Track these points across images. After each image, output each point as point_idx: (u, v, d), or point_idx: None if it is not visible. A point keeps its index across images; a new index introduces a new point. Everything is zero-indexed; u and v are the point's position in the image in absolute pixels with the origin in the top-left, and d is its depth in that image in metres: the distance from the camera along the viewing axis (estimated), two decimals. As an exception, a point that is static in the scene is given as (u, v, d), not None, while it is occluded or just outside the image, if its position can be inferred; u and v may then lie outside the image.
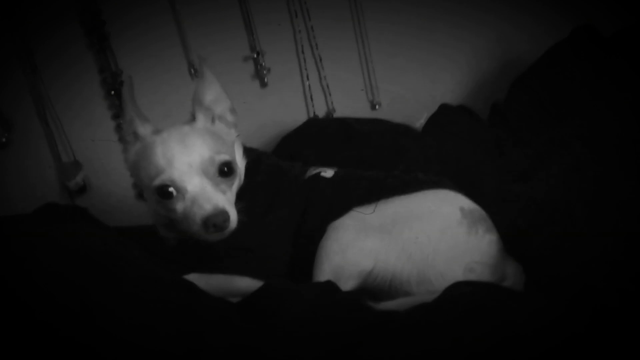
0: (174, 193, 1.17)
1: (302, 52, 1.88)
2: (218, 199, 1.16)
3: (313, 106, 1.92)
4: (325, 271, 1.18)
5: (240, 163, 1.29)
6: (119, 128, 1.72)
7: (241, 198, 1.23)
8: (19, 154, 1.70)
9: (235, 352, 0.91)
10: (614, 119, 1.44)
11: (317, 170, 1.33)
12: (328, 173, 1.32)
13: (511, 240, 1.22)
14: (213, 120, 1.28)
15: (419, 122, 1.92)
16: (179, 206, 1.17)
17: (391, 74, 1.97)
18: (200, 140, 1.20)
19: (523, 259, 1.18)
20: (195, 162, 1.17)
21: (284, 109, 1.89)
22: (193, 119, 1.27)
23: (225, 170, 1.19)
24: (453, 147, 1.60)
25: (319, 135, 1.71)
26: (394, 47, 1.96)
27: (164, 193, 1.17)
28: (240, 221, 1.17)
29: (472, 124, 1.81)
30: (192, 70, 1.78)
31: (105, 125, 1.73)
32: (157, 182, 1.17)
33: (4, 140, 1.67)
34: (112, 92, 1.71)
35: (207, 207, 1.14)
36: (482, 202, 1.23)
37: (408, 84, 1.98)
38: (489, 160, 1.54)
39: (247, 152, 1.34)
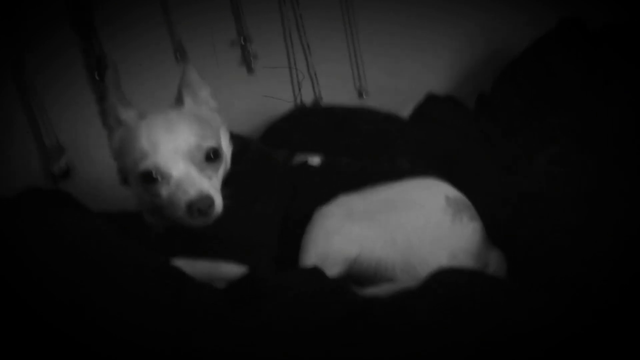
0: (159, 178, 1.16)
1: (290, 39, 1.87)
2: (203, 184, 1.15)
3: (300, 94, 1.91)
4: (311, 257, 1.18)
5: (227, 149, 1.28)
6: (103, 112, 1.70)
7: (227, 185, 1.22)
8: (1, 138, 1.67)
9: (225, 347, 0.91)
10: (602, 110, 1.45)
11: (304, 158, 1.33)
12: (315, 161, 1.32)
13: (495, 230, 1.22)
14: (199, 105, 1.27)
15: (405, 112, 1.92)
16: (164, 191, 1.16)
17: (379, 63, 1.97)
18: (187, 125, 1.19)
19: (506, 248, 1.19)
20: (181, 148, 1.16)
21: (270, 95, 1.88)
22: (178, 103, 1.26)
23: (212, 156, 1.18)
24: (439, 137, 1.60)
25: (307, 123, 1.70)
26: (382, 36, 1.96)
27: (149, 178, 1.16)
28: (226, 207, 1.16)
29: (459, 114, 1.82)
30: (178, 55, 1.76)
31: (89, 108, 1.71)
32: (142, 167, 1.16)
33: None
34: (97, 76, 1.69)
35: (192, 192, 1.13)
36: (467, 192, 1.23)
37: (395, 73, 1.98)
38: (474, 151, 1.55)
39: (234, 139, 1.33)
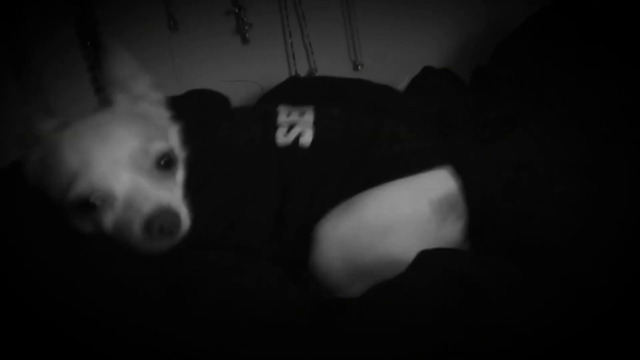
0: (98, 203, 0.94)
1: (285, 9, 1.85)
2: (160, 195, 0.95)
3: (295, 65, 1.89)
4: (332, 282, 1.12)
5: (179, 148, 1.08)
6: (94, 80, 1.69)
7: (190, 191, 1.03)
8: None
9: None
10: (600, 82, 1.44)
11: (292, 128, 1.17)
12: (306, 136, 1.17)
13: (489, 204, 1.21)
14: (136, 101, 1.07)
15: (401, 85, 1.91)
16: (109, 218, 0.95)
17: (375, 35, 1.95)
18: (124, 128, 0.98)
19: (492, 222, 1.18)
20: (121, 156, 0.95)
21: (265, 66, 1.87)
22: (107, 104, 1.07)
23: (163, 163, 0.98)
24: (434, 107, 1.59)
25: (300, 92, 1.69)
26: (378, 8, 1.93)
27: (85, 205, 0.94)
28: (195, 219, 0.98)
29: (455, 86, 1.80)
30: (172, 23, 1.74)
31: (81, 76, 1.70)
32: (73, 194, 0.94)
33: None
34: (88, 43, 1.67)
35: (147, 208, 0.93)
36: (461, 161, 1.22)
37: (391, 45, 1.96)
38: (469, 122, 1.54)
39: (184, 123, 1.14)
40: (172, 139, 1.07)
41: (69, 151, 0.96)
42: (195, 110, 1.21)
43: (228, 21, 1.81)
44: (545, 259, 1.05)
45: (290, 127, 1.16)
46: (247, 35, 1.82)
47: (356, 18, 1.92)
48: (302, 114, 1.20)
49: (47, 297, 0.89)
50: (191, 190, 1.03)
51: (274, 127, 1.16)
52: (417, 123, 1.38)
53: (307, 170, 1.13)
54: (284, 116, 1.19)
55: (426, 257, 1.01)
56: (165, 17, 1.74)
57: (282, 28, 1.87)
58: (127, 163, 0.95)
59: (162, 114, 1.10)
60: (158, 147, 0.99)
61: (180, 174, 1.03)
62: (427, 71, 1.89)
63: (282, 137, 1.15)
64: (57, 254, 0.96)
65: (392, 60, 1.95)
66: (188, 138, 1.09)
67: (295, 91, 1.70)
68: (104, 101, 1.08)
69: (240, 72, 1.82)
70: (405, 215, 1.15)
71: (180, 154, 1.06)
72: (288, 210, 1.12)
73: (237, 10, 1.79)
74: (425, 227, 1.15)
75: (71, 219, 0.98)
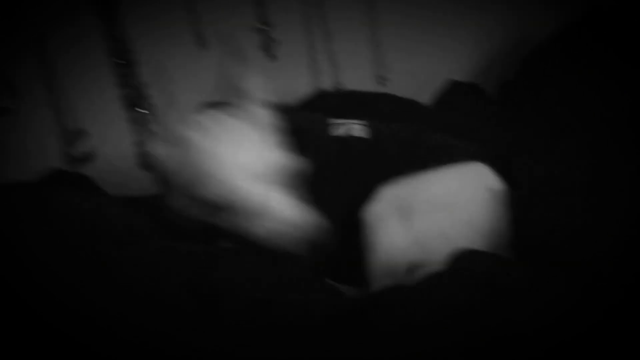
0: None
1: (311, 25, 1.87)
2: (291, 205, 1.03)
3: (320, 80, 1.90)
4: (376, 268, 1.14)
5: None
6: (124, 97, 1.71)
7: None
8: (22, 121, 1.68)
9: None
10: (626, 101, 1.44)
11: (346, 125, 1.26)
12: (359, 132, 1.24)
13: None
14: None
15: (426, 99, 1.91)
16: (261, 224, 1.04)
17: (400, 50, 1.95)
18: (262, 141, 1.07)
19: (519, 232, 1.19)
20: (261, 170, 1.04)
21: (291, 82, 1.88)
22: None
23: (287, 171, 1.06)
24: (461, 121, 1.59)
25: (328, 106, 1.70)
26: (403, 22, 1.94)
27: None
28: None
29: (481, 101, 1.81)
30: (200, 41, 1.76)
31: (111, 93, 1.72)
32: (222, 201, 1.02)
33: (8, 106, 1.66)
34: (118, 60, 1.69)
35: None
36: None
37: (417, 60, 1.96)
38: (495, 135, 1.54)
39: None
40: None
41: (212, 159, 1.01)
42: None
43: (254, 37, 1.82)
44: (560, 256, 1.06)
45: (341, 125, 1.25)
46: (273, 51, 1.83)
47: (381, 33, 1.93)
48: (349, 120, 1.27)
49: (76, 318, 0.90)
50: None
51: (330, 124, 1.25)
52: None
53: (361, 158, 1.19)
54: (336, 120, 1.27)
55: (457, 257, 1.02)
56: (192, 34, 1.76)
57: (307, 44, 1.88)
58: (266, 176, 1.02)
59: (273, 118, 1.15)
60: (282, 158, 1.06)
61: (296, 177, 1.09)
62: (453, 85, 1.89)
63: (338, 131, 1.23)
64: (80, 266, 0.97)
65: (418, 75, 1.95)
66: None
67: (322, 104, 1.72)
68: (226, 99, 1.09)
69: (266, 88, 1.84)
70: (466, 194, 1.19)
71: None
72: (350, 185, 1.17)
73: (263, 27, 1.81)
74: (480, 210, 1.17)
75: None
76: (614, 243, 1.06)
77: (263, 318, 0.91)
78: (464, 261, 1.02)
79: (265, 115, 1.14)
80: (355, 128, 1.24)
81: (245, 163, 1.02)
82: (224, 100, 1.14)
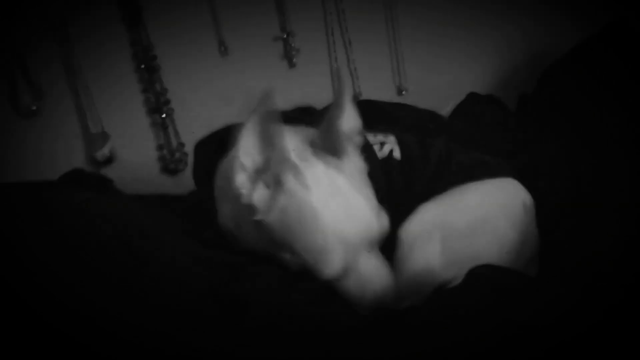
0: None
1: (332, 35, 1.88)
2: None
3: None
4: (406, 285, 1.10)
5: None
6: (147, 102, 1.74)
7: None
8: (48, 123, 1.71)
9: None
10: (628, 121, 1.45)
11: (383, 145, 1.23)
12: (396, 151, 1.21)
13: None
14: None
15: (445, 110, 1.92)
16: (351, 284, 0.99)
17: (419, 60, 1.96)
18: (367, 206, 1.00)
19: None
20: (365, 236, 0.99)
21: (311, 90, 1.89)
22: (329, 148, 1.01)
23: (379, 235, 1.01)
24: (480, 133, 1.60)
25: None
26: (423, 33, 1.95)
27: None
28: None
29: (500, 114, 1.81)
30: (222, 48, 1.79)
31: (134, 98, 1.74)
32: (328, 269, 0.96)
33: (34, 108, 1.69)
34: (142, 66, 1.72)
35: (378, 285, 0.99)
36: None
37: (436, 71, 1.97)
38: (515, 148, 1.54)
39: None
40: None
41: (325, 224, 0.95)
42: None
43: (276, 46, 1.84)
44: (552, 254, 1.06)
45: (382, 144, 1.22)
46: (294, 60, 1.85)
47: (401, 43, 1.94)
48: (385, 136, 1.25)
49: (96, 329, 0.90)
50: None
51: (369, 144, 1.20)
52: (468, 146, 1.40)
53: (403, 176, 1.17)
54: (371, 137, 1.23)
55: (477, 273, 1.01)
56: (216, 42, 1.79)
57: (328, 53, 1.90)
58: (368, 245, 0.99)
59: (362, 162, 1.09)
60: (384, 221, 1.02)
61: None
62: (472, 97, 1.90)
63: (379, 152, 1.20)
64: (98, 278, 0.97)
65: (436, 86, 1.96)
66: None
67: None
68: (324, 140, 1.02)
69: (286, 96, 1.85)
70: (503, 209, 1.17)
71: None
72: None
73: (285, 36, 1.83)
74: (518, 225, 1.16)
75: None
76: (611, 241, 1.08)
77: (285, 328, 0.91)
78: (484, 276, 1.01)
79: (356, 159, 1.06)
80: (394, 152, 1.22)
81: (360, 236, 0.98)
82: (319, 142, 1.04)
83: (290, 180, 0.97)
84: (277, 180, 0.97)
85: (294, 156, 0.99)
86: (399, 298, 1.05)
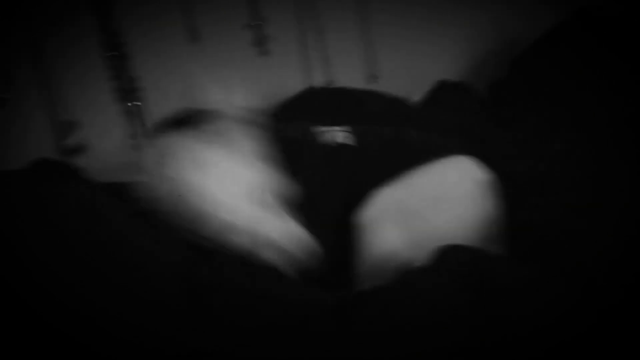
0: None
1: (303, 23, 1.88)
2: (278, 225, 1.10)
3: (312, 76, 1.92)
4: (368, 269, 1.16)
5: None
6: (117, 89, 1.73)
7: None
8: (16, 112, 1.70)
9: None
10: (604, 103, 1.47)
11: (330, 133, 1.30)
12: (340, 136, 1.29)
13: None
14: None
15: (416, 97, 1.93)
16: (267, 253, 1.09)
17: (391, 48, 1.97)
18: (241, 166, 1.12)
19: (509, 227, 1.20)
20: (242, 193, 1.10)
21: (282, 78, 1.89)
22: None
23: (268, 190, 1.12)
24: (449, 119, 1.61)
25: (318, 102, 1.72)
26: (395, 21, 1.95)
27: None
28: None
29: (470, 100, 1.82)
30: (193, 35, 1.77)
31: (103, 85, 1.73)
32: (206, 230, 1.08)
33: (3, 97, 1.67)
34: (112, 53, 1.70)
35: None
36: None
37: (407, 58, 1.98)
38: (483, 133, 1.56)
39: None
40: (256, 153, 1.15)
41: (200, 187, 1.04)
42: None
43: (247, 33, 1.84)
44: (551, 254, 1.07)
45: (329, 132, 1.29)
46: (265, 47, 1.84)
47: (372, 31, 1.94)
48: (334, 128, 1.31)
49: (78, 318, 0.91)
50: None
51: (317, 133, 1.29)
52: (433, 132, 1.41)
53: (348, 160, 1.23)
54: (321, 127, 1.31)
55: (444, 252, 1.03)
56: (186, 28, 1.77)
57: (299, 40, 1.90)
58: (246, 198, 1.06)
59: (251, 132, 1.18)
60: (264, 178, 1.10)
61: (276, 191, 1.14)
62: (442, 84, 1.91)
63: (325, 138, 1.27)
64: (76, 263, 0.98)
65: (408, 73, 1.97)
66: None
67: (313, 101, 1.74)
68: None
69: (257, 84, 1.85)
70: (457, 188, 1.21)
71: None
72: (333, 193, 1.21)
73: (256, 23, 1.82)
74: (474, 202, 1.20)
75: None
76: (611, 240, 1.08)
77: (249, 314, 0.92)
78: (450, 257, 1.02)
79: (244, 132, 1.17)
80: (339, 134, 1.28)
81: (228, 188, 1.07)
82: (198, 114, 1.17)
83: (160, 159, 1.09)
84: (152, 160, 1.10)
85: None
86: (362, 282, 1.07)
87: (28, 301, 0.91)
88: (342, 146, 1.27)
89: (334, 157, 1.26)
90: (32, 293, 0.91)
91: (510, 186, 1.28)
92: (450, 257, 1.03)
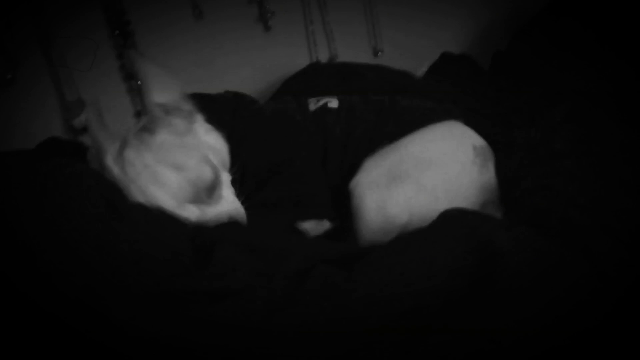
0: None
1: (307, -2, 1.88)
2: (222, 211, 1.09)
3: (316, 51, 1.92)
4: (365, 235, 1.19)
5: (215, 141, 1.19)
6: (122, 68, 1.74)
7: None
8: (23, 91, 1.71)
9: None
10: (607, 73, 1.47)
11: (322, 101, 1.30)
12: (333, 103, 1.29)
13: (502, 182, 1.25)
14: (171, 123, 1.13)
15: (420, 71, 1.94)
16: None
17: (394, 21, 1.98)
18: (173, 168, 1.08)
19: (510, 198, 1.21)
20: (181, 198, 1.08)
21: (287, 53, 1.90)
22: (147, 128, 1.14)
23: (210, 183, 1.10)
24: (452, 91, 1.62)
25: (321, 78, 1.73)
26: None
27: None
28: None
29: (473, 72, 1.83)
30: (197, 12, 1.78)
31: (110, 64, 1.74)
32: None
33: (9, 77, 1.67)
34: (116, 31, 1.71)
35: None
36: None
37: (411, 31, 1.99)
38: (488, 106, 1.57)
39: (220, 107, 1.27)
40: (207, 149, 1.15)
41: (138, 193, 1.07)
42: (228, 103, 1.33)
43: (251, 9, 1.84)
44: (549, 217, 1.08)
45: (318, 101, 1.30)
46: (269, 23, 1.85)
47: (376, 5, 1.95)
48: (327, 97, 1.32)
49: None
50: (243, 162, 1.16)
51: (305, 102, 1.31)
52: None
53: (338, 124, 1.24)
54: (313, 100, 1.31)
55: (451, 216, 1.03)
56: (190, 5, 1.77)
57: (303, 15, 1.90)
58: (184, 199, 1.08)
59: (193, 126, 1.16)
60: (204, 174, 1.10)
61: (225, 177, 1.14)
62: (445, 57, 1.92)
63: (313, 106, 1.29)
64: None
65: (412, 46, 1.98)
66: (225, 123, 1.21)
67: (316, 77, 1.75)
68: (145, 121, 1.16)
69: (262, 59, 1.86)
70: (451, 152, 1.22)
71: (217, 146, 1.16)
72: (329, 160, 1.23)
73: (259, -1, 1.82)
74: (469, 167, 1.20)
75: None
76: (605, 204, 1.09)
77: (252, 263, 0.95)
78: (452, 220, 1.03)
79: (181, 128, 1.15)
80: (329, 103, 1.28)
81: (169, 199, 1.08)
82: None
83: (108, 161, 1.12)
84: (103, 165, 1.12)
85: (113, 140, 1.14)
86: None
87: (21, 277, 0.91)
88: (335, 114, 1.27)
89: (326, 125, 1.26)
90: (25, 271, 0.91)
91: (508, 153, 1.29)
92: (453, 220, 1.03)
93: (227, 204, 1.11)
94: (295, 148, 1.24)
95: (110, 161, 1.12)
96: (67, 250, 0.91)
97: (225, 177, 1.15)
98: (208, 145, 1.15)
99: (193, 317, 0.87)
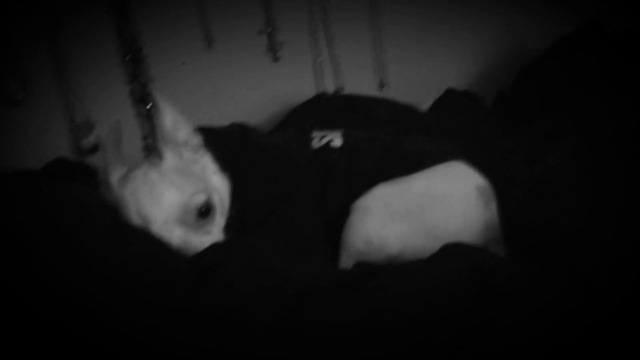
0: None
1: (315, 30, 1.91)
2: (204, 245, 1.12)
3: (323, 82, 1.95)
4: (351, 255, 1.21)
5: (219, 182, 1.23)
6: (132, 92, 1.76)
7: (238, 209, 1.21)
8: (33, 112, 1.72)
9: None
10: (611, 111, 1.49)
11: (324, 137, 1.32)
12: (336, 141, 1.31)
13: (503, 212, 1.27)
14: (180, 151, 1.21)
15: (425, 105, 1.96)
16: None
17: (401, 55, 2.01)
18: (171, 187, 1.14)
19: (513, 231, 1.23)
20: (171, 216, 1.12)
21: (294, 83, 1.93)
22: (156, 155, 1.21)
23: (203, 211, 1.14)
24: (455, 127, 1.64)
25: (325, 107, 1.75)
26: (405, 29, 2.00)
27: None
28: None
29: (477, 109, 1.85)
30: (208, 41, 1.81)
31: (120, 87, 1.76)
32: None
33: (20, 97, 1.70)
34: (128, 57, 1.73)
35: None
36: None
37: (416, 66, 2.02)
38: (489, 141, 1.58)
39: (224, 146, 1.31)
40: (210, 178, 1.21)
41: (132, 208, 1.13)
42: (234, 138, 1.36)
43: (261, 40, 1.87)
44: (554, 253, 1.10)
45: (322, 138, 1.32)
46: (278, 53, 1.88)
47: (383, 39, 1.98)
48: (332, 132, 1.34)
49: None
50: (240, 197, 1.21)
51: (309, 138, 1.33)
52: (437, 137, 1.44)
53: (340, 163, 1.27)
54: (317, 134, 1.34)
55: (451, 249, 1.06)
56: (201, 34, 1.81)
57: (311, 47, 1.93)
58: (175, 220, 1.13)
59: (200, 159, 1.23)
60: (197, 200, 1.15)
61: (219, 210, 1.18)
62: (450, 93, 1.94)
63: (316, 143, 1.31)
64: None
65: (417, 80, 2.01)
66: (229, 160, 1.26)
67: (321, 108, 1.77)
68: (152, 151, 1.22)
69: (269, 89, 1.89)
70: (455, 192, 1.23)
71: (218, 185, 1.21)
72: (329, 196, 1.25)
73: (269, 30, 1.86)
74: (473, 206, 1.22)
75: None
76: (609, 243, 1.11)
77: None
78: (451, 254, 1.06)
79: (187, 159, 1.22)
80: (332, 142, 1.30)
81: (163, 215, 1.12)
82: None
83: (112, 178, 1.19)
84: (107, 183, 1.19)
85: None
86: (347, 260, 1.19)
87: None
88: (338, 150, 1.29)
89: (329, 162, 1.29)
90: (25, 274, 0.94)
91: (511, 190, 1.31)
92: (453, 253, 1.06)
93: (212, 241, 1.15)
94: (294, 186, 1.27)
95: (114, 180, 1.18)
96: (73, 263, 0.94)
97: (219, 218, 1.19)
98: (213, 187, 1.20)
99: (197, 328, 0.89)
